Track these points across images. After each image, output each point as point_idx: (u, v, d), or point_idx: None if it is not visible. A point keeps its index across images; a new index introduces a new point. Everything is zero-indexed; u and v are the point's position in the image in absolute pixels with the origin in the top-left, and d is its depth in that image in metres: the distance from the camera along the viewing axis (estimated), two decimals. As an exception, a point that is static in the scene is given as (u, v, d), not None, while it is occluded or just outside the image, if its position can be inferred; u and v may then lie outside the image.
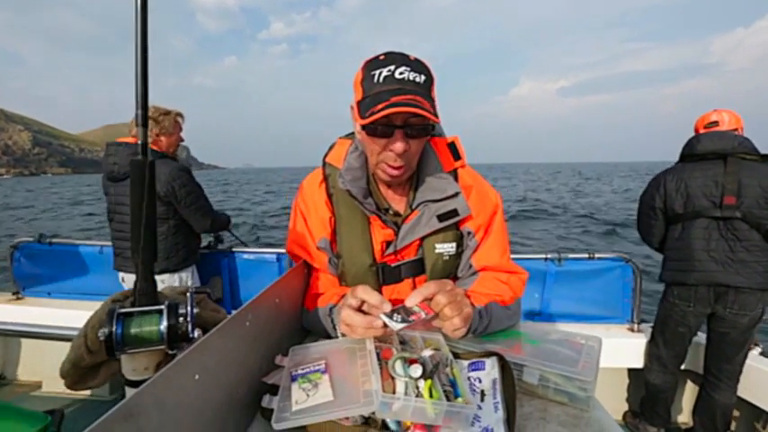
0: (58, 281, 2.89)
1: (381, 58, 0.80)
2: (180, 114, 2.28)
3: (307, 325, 0.97)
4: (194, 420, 0.52)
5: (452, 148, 0.98)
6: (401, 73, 0.77)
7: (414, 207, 0.93)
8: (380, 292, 0.97)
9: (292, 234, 1.04)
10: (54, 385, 2.63)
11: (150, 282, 0.65)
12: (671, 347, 2.17)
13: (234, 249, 2.77)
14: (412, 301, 0.74)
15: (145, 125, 0.62)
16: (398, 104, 0.74)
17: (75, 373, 0.66)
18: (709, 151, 2.01)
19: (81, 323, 0.68)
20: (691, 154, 2.09)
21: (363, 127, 0.81)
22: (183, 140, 2.34)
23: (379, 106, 0.75)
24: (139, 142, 0.61)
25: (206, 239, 2.68)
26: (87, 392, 2.60)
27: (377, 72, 0.78)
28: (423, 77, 0.79)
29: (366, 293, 0.75)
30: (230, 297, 2.80)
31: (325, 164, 1.00)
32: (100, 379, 0.69)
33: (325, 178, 0.99)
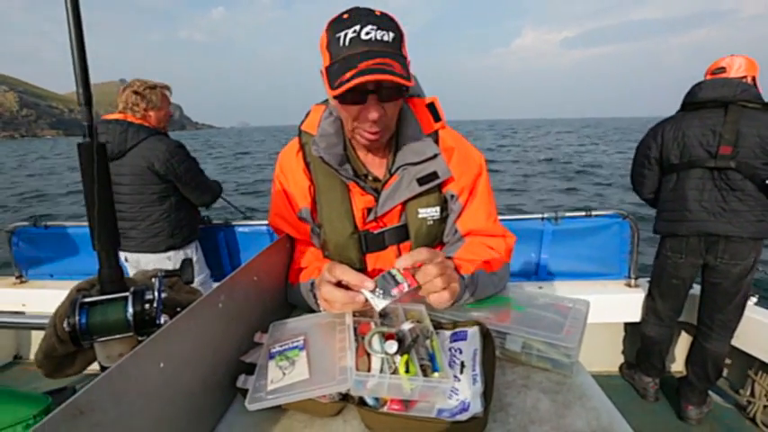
0: (57, 262, 2.91)
1: (345, 17, 0.74)
2: (167, 87, 2.21)
3: (291, 300, 0.96)
4: (162, 409, 0.51)
5: (432, 108, 0.93)
6: (367, 33, 0.71)
7: (393, 171, 0.90)
8: (364, 260, 0.96)
9: (274, 206, 1.01)
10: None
11: (115, 268, 0.62)
12: (666, 300, 2.19)
13: (230, 223, 2.76)
14: (401, 263, 0.73)
15: (88, 104, 0.57)
16: (367, 72, 0.69)
17: (50, 363, 0.65)
18: (709, 99, 1.94)
19: None
20: (692, 102, 2.02)
21: (335, 96, 0.76)
22: (171, 114, 2.29)
23: (348, 74, 0.70)
24: (84, 124, 0.57)
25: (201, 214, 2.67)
26: (98, 367, 2.70)
27: (342, 34, 0.72)
28: (391, 35, 0.73)
29: (345, 274, 0.73)
30: (230, 270, 2.82)
31: (300, 132, 0.96)
32: (77, 367, 0.68)
33: (302, 147, 0.95)
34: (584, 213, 2.51)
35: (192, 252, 2.37)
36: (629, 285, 2.46)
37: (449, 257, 0.88)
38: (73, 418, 0.38)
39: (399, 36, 0.75)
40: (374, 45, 0.72)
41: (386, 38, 0.73)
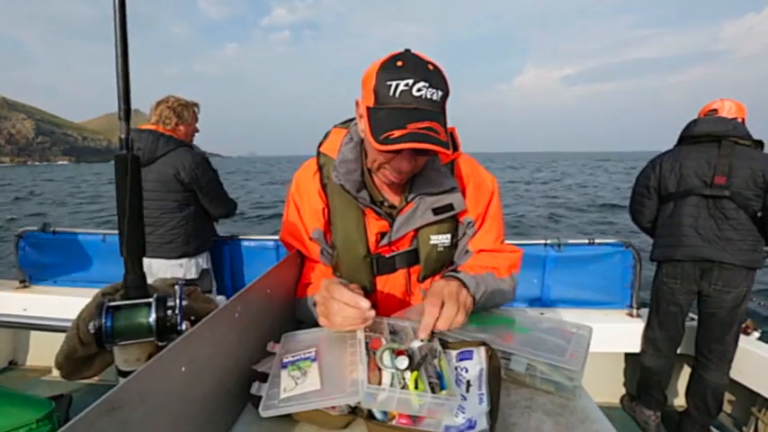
0: (63, 269, 2.93)
1: (399, 64, 0.74)
2: (196, 105, 2.38)
3: (298, 314, 0.98)
4: (181, 411, 0.53)
5: (450, 137, 0.97)
6: (419, 90, 0.72)
7: (409, 199, 0.93)
8: (374, 282, 0.98)
9: (286, 224, 1.04)
10: (63, 370, 2.70)
11: (139, 275, 0.65)
12: (664, 329, 2.20)
13: (235, 237, 2.79)
14: (418, 341, 0.72)
15: (127, 120, 0.61)
16: (415, 138, 0.71)
17: (69, 365, 0.68)
18: (704, 133, 2.05)
19: None
20: (688, 136, 2.13)
21: (378, 148, 0.75)
22: (198, 131, 2.43)
23: (396, 133, 0.71)
24: (122, 136, 0.61)
25: None
26: (96, 377, 2.69)
27: (393, 84, 0.73)
28: (440, 93, 0.75)
29: (342, 295, 0.73)
30: (231, 284, 2.83)
31: (319, 153, 0.99)
32: (94, 369, 0.71)
33: (320, 168, 0.97)
34: (587, 241, 2.53)
35: (204, 262, 2.44)
36: (630, 315, 2.46)
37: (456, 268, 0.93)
38: (107, 414, 0.41)
39: (446, 93, 0.76)
40: (423, 103, 0.73)
41: (435, 97, 0.74)
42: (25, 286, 2.91)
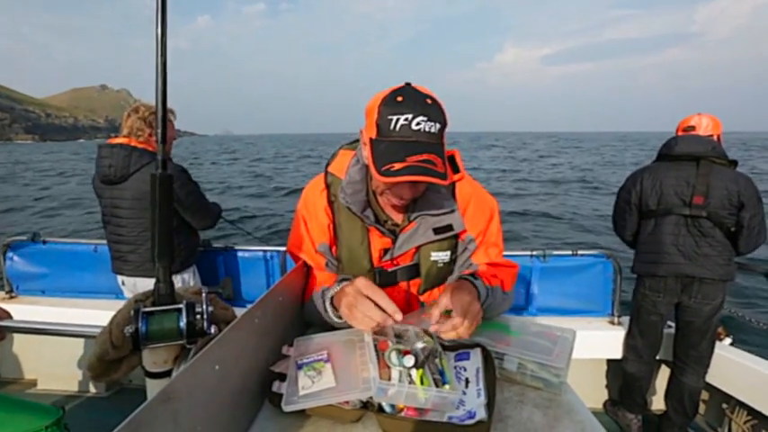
0: (51, 279, 2.89)
1: (399, 99, 0.81)
2: (172, 112, 2.27)
3: (306, 316, 1.04)
4: (215, 405, 0.59)
5: (452, 161, 1.02)
6: (417, 124, 0.79)
7: (411, 219, 1.00)
8: None
9: (293, 237, 1.11)
10: (50, 383, 2.66)
11: (169, 283, 0.72)
12: (645, 337, 2.31)
13: (229, 247, 2.82)
14: (421, 343, 0.75)
15: (164, 142, 0.68)
16: (413, 171, 0.78)
17: (100, 367, 0.73)
18: (684, 153, 2.18)
19: (75, 321, 0.74)
20: (668, 154, 2.25)
21: (379, 178, 0.81)
22: (175, 138, 2.36)
23: (396, 166, 0.78)
24: (159, 158, 0.68)
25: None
26: (84, 389, 2.65)
27: (393, 118, 0.80)
28: (437, 126, 0.81)
29: (380, 298, 0.78)
30: (224, 295, 2.85)
31: (327, 173, 1.05)
32: (122, 371, 0.76)
33: (327, 186, 1.04)
34: (570, 252, 2.65)
35: (190, 277, 2.36)
36: (612, 323, 2.58)
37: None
38: (164, 403, 0.47)
39: (443, 125, 0.83)
40: (421, 136, 0.79)
41: (433, 129, 0.80)
42: (11, 297, 2.87)
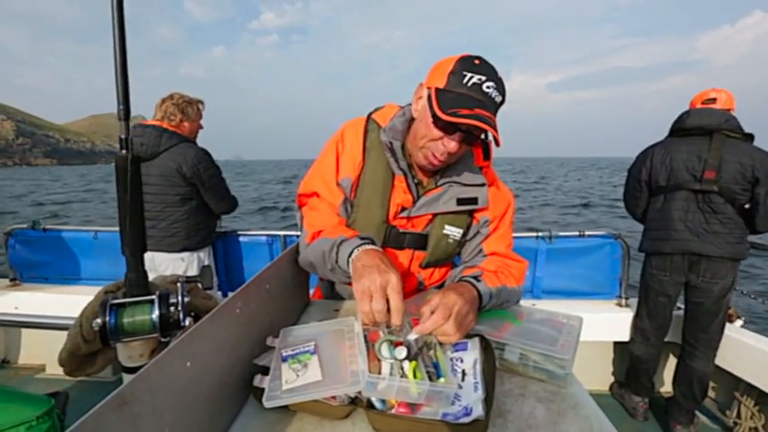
0: (54, 266, 2.90)
1: (476, 62, 0.84)
2: (201, 102, 2.40)
3: (301, 261, 1.00)
4: (187, 405, 0.55)
5: (485, 148, 1.04)
6: (488, 87, 0.83)
7: (439, 183, 0.99)
8: None
9: (317, 167, 1.03)
10: (58, 368, 2.68)
11: (141, 272, 0.67)
12: (653, 319, 2.25)
13: (230, 232, 2.79)
14: (413, 334, 0.71)
15: (127, 119, 0.62)
16: (480, 119, 0.79)
17: (73, 362, 0.69)
18: (696, 126, 2.07)
19: (79, 308, 0.70)
20: (679, 128, 2.15)
21: (436, 116, 0.84)
22: (202, 127, 2.45)
23: (464, 111, 0.80)
24: (121, 137, 0.62)
25: None
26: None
27: (468, 75, 0.83)
28: (500, 98, 0.85)
29: (395, 296, 0.71)
30: (226, 279, 2.84)
31: (369, 118, 1.03)
32: (97, 366, 0.72)
33: (366, 131, 1.02)
34: (577, 233, 2.58)
35: (206, 257, 2.46)
36: (619, 305, 2.52)
37: (473, 267, 0.97)
38: (118, 408, 0.42)
39: (503, 102, 0.86)
40: (488, 99, 0.83)
41: (497, 99, 0.84)
42: (16, 284, 2.88)
